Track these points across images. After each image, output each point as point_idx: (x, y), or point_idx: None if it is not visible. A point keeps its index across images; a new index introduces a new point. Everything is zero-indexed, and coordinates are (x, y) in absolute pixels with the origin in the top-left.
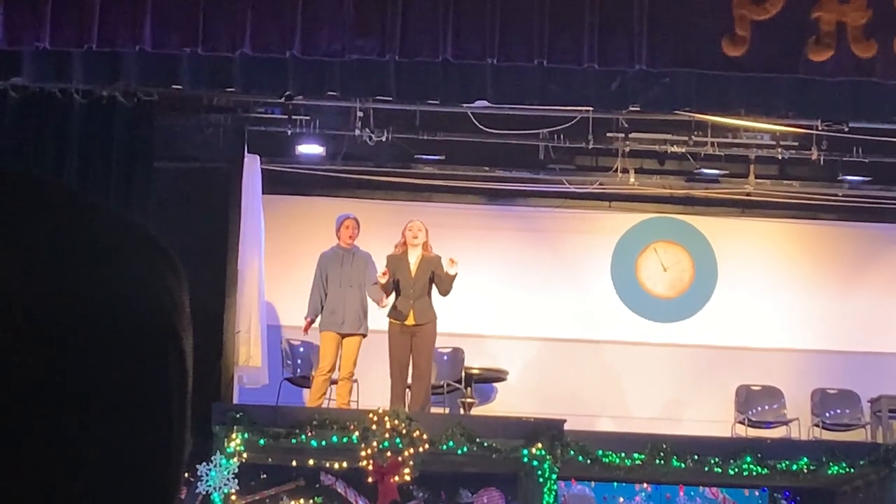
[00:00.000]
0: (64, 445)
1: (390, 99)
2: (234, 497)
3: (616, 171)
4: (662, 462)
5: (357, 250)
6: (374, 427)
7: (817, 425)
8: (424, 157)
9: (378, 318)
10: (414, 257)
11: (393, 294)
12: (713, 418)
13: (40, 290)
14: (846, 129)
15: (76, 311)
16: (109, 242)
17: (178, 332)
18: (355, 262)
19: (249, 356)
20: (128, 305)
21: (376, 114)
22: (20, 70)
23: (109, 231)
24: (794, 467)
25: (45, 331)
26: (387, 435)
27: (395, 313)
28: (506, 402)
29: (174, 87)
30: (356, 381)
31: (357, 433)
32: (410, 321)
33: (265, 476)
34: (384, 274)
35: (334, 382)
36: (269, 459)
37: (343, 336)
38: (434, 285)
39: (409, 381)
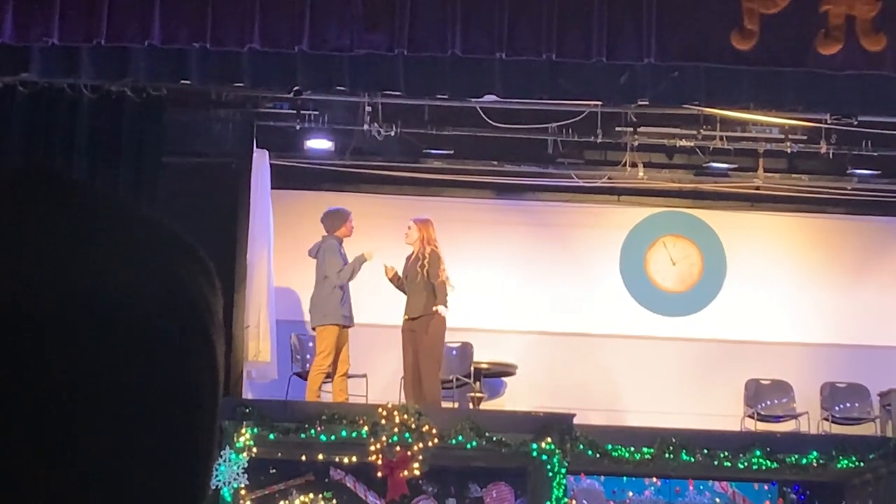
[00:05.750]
0: (89, 446)
1: (399, 93)
2: (243, 492)
3: (625, 165)
4: (672, 456)
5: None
6: (383, 422)
7: (827, 419)
8: (433, 151)
9: (383, 312)
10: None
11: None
12: (722, 412)
13: (68, 289)
14: (855, 123)
15: (105, 311)
16: (146, 246)
17: (210, 339)
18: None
19: (258, 351)
20: (160, 307)
21: (385, 108)
22: (29, 65)
23: (146, 235)
24: (804, 461)
25: (70, 330)
26: (396, 430)
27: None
28: (515, 397)
29: (183, 82)
30: (365, 375)
31: (366, 428)
32: (405, 315)
33: (275, 471)
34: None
35: (328, 377)
36: (279, 454)
37: (342, 330)
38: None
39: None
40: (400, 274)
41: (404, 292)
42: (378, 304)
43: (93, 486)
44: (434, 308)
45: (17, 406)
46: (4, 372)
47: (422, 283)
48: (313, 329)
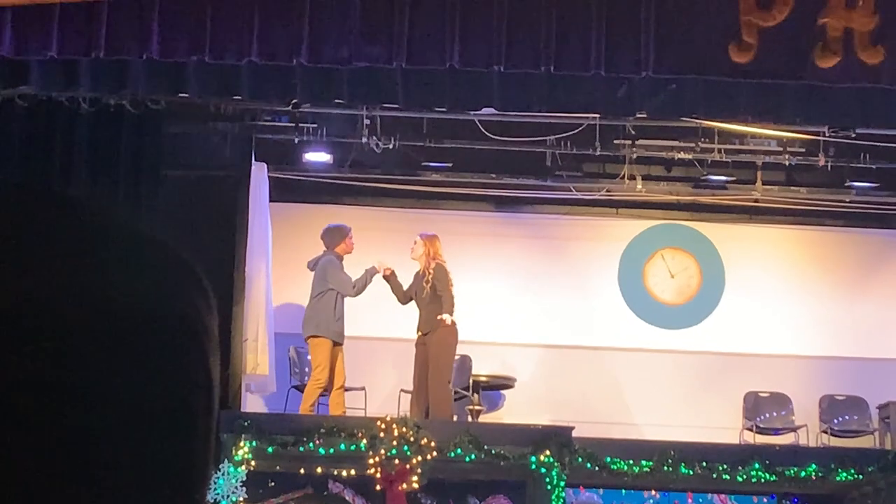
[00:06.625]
0: (81, 459)
1: (397, 106)
2: None
3: (623, 177)
4: (671, 469)
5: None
6: (381, 435)
7: (825, 432)
8: (431, 164)
9: (381, 325)
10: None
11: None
12: (721, 425)
13: (62, 303)
14: (853, 136)
15: (99, 326)
16: (141, 262)
17: (206, 355)
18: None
19: (257, 364)
20: (155, 323)
21: (383, 121)
22: (28, 78)
23: (142, 251)
24: (803, 474)
25: (63, 343)
26: (395, 442)
27: None
28: (514, 410)
29: (181, 95)
30: (363, 388)
31: (365, 441)
32: (418, 331)
33: (273, 484)
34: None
35: (325, 392)
36: (277, 467)
37: (336, 346)
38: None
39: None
40: (405, 288)
41: (400, 300)
42: (376, 318)
43: (86, 498)
44: (439, 317)
45: (11, 414)
46: (1, 380)
47: (428, 297)
48: (306, 340)
